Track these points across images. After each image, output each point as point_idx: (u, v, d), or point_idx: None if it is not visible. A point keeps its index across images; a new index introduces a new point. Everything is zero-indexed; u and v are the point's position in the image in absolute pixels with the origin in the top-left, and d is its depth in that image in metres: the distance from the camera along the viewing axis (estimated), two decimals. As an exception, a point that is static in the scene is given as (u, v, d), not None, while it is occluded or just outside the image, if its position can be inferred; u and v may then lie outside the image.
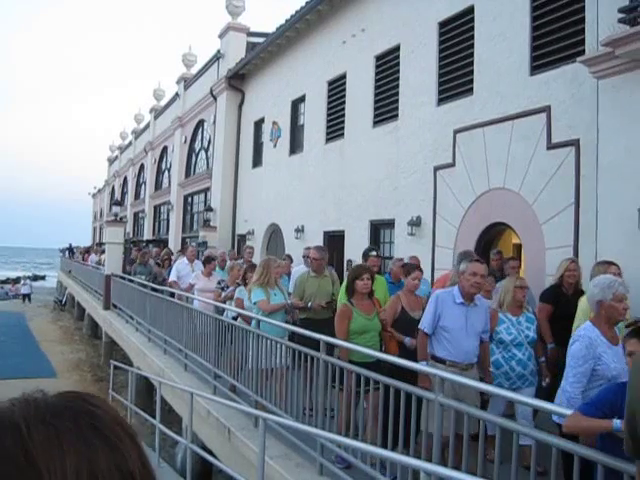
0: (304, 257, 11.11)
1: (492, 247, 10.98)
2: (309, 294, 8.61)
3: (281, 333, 7.70)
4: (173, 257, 16.78)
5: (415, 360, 5.87)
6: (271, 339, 7.34)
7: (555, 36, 9.42)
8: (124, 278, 17.93)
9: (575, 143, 8.90)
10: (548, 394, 6.19)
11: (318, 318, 8.44)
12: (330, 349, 6.59)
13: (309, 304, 8.55)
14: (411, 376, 5.63)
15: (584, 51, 8.61)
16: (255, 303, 8.08)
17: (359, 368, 5.78)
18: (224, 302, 10.06)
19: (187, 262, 13.69)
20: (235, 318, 9.03)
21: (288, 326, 7.78)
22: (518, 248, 11.50)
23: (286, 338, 7.75)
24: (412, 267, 7.81)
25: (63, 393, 0.90)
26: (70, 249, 42.35)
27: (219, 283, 10.88)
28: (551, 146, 9.33)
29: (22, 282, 44.23)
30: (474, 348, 5.94)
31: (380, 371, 5.72)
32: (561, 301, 7.32)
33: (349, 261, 14.01)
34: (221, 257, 13.39)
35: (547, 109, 9.42)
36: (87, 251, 33.70)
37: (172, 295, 12.28)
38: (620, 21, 7.50)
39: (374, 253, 8.66)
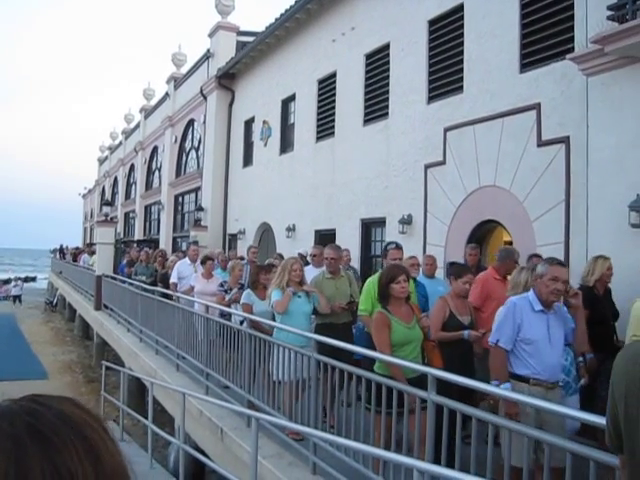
0: (311, 256, 10.50)
1: (483, 244, 11.00)
2: (327, 297, 7.77)
3: (303, 342, 6.87)
4: (171, 258, 15.53)
5: (465, 369, 5.50)
6: (296, 350, 6.59)
7: (544, 33, 9.43)
8: (115, 279, 17.87)
9: (565, 140, 8.93)
10: (587, 399, 6.06)
11: (338, 322, 7.75)
12: (356, 362, 6.27)
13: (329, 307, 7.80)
14: (460, 391, 4.89)
15: (573, 48, 8.64)
16: (272, 306, 7.56)
17: (403, 385, 5.12)
18: (229, 306, 9.34)
19: (189, 262, 12.97)
20: (241, 322, 8.47)
21: (312, 335, 6.73)
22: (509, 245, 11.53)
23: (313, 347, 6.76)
24: (463, 269, 6.92)
25: (22, 397, 0.89)
26: (61, 250, 42.16)
27: (221, 285, 10.10)
28: (541, 143, 9.35)
29: (13, 283, 43.83)
30: (559, 362, 5.39)
31: (424, 387, 4.81)
32: (597, 305, 6.75)
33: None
34: (220, 257, 12.77)
35: (537, 106, 9.44)
36: (78, 252, 33.46)
37: (167, 297, 11.94)
38: (609, 18, 7.53)
39: (393, 245, 7.34)
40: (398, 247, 7.29)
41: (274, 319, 7.78)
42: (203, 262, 11.54)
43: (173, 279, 12.67)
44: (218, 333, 8.82)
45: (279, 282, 7.56)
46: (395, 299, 5.83)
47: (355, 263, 13.82)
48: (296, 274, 7.60)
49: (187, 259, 13.29)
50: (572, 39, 8.82)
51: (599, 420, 3.22)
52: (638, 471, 1.97)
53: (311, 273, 9.03)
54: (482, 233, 10.87)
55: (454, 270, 7.00)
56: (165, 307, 11.67)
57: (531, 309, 5.20)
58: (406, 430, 5.05)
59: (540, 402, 4.24)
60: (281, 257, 13.93)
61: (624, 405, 1.98)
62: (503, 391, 4.65)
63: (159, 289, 12.63)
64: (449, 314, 6.48)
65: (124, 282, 16.02)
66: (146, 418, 9.97)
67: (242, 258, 13.10)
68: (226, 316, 9.03)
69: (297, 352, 6.55)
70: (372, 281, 6.86)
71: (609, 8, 7.55)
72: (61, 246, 43.07)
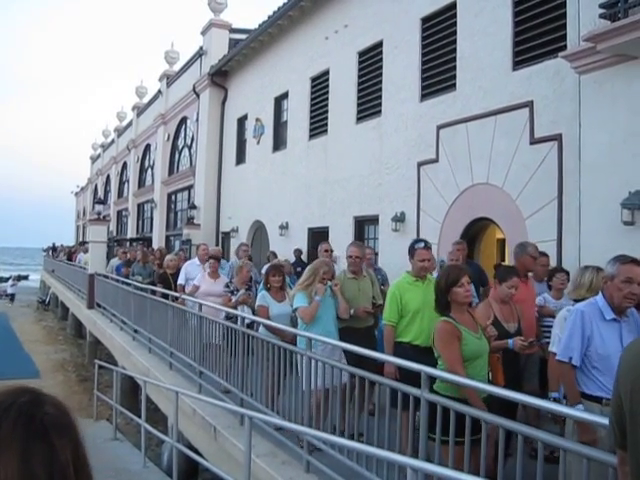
0: (326, 252, 9.91)
1: (476, 242, 11.02)
2: (349, 299, 7.21)
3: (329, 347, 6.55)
4: (169, 257, 13.84)
5: (512, 382, 5.10)
6: (323, 361, 6.03)
7: (537, 31, 9.44)
8: (108, 277, 17.83)
9: (558, 138, 8.94)
10: None
11: (359, 327, 7.24)
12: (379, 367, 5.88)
13: (352, 310, 7.19)
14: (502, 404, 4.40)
15: (566, 46, 8.66)
16: (296, 310, 6.99)
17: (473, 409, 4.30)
18: (235, 307, 8.75)
19: (198, 263, 12.08)
20: (249, 325, 7.95)
21: (344, 345, 6.12)
22: (502, 243, 11.56)
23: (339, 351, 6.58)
24: (508, 272, 6.01)
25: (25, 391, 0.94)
26: (54, 248, 42.03)
27: (227, 286, 9.44)
28: (534, 141, 9.36)
29: (10, 282, 43.39)
30: None
31: (493, 410, 4.29)
32: None
33: (334, 257, 14.02)
34: (203, 251, 12.29)
35: (530, 104, 9.45)
36: (73, 250, 33.27)
37: (167, 298, 11.21)
38: (601, 16, 7.55)
39: (422, 244, 6.53)
40: (427, 246, 6.50)
41: (293, 321, 7.50)
42: (207, 261, 11.09)
43: (181, 281, 11.87)
44: (224, 336, 8.26)
45: (306, 286, 6.97)
46: (457, 305, 4.97)
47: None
48: (324, 279, 7.00)
49: (196, 259, 12.44)
50: (564, 37, 8.83)
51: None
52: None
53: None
54: (475, 231, 10.88)
55: (499, 273, 6.18)
56: (158, 305, 11.63)
57: (601, 318, 4.45)
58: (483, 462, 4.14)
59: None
60: (274, 255, 13.89)
61: (630, 401, 1.97)
62: (578, 412, 3.99)
63: (159, 289, 11.92)
64: (493, 320, 5.64)
65: (119, 282, 15.66)
66: (139, 417, 9.95)
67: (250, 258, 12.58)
68: (232, 318, 8.41)
69: (325, 363, 5.98)
70: (398, 285, 6.47)
71: (601, 6, 7.56)
72: (54, 244, 42.95)
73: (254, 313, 8.14)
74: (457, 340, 4.74)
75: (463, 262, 8.45)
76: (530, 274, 7.15)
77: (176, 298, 11.00)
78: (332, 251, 10.51)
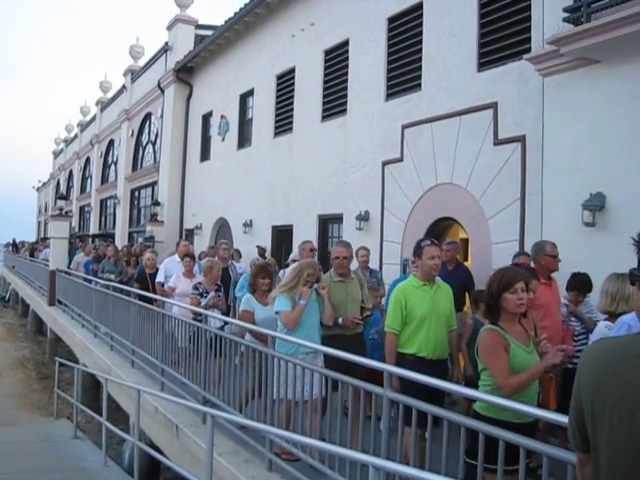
0: (311, 251, 9.40)
1: (440, 242, 11.06)
2: (336, 305, 6.62)
3: (300, 351, 6.19)
4: (147, 255, 12.93)
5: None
6: (304, 366, 5.73)
7: (502, 33, 9.53)
8: (69, 273, 17.64)
9: (521, 139, 9.03)
10: None
11: (348, 334, 6.65)
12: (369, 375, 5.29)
13: (339, 319, 6.59)
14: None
15: (530, 49, 8.74)
16: (277, 313, 6.44)
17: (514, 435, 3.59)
18: (206, 309, 8.25)
19: (178, 260, 11.23)
20: (221, 327, 7.73)
21: (332, 351, 5.40)
22: (465, 243, 11.64)
23: (320, 360, 6.22)
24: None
25: None
26: (14, 244, 41.40)
27: (196, 288, 8.86)
28: (498, 142, 9.44)
29: None
30: None
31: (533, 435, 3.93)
32: None
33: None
34: (184, 247, 11.55)
35: (494, 105, 9.53)
36: (36, 246, 32.71)
37: (147, 301, 10.35)
38: (565, 20, 7.63)
39: (428, 242, 5.95)
40: (434, 243, 5.97)
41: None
42: (182, 258, 10.51)
43: (159, 278, 11.24)
44: (191, 338, 7.93)
45: (289, 289, 6.45)
46: (508, 314, 4.35)
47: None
48: (312, 277, 6.51)
49: (176, 256, 11.66)
50: (529, 40, 8.92)
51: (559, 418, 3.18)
52: (602, 469, 1.99)
53: None
54: (439, 230, 10.94)
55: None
56: (120, 302, 11.52)
57: None
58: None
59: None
60: (238, 253, 13.85)
61: (591, 402, 1.99)
62: None
63: (136, 291, 11.11)
64: None
65: (89, 281, 14.75)
66: (100, 415, 9.88)
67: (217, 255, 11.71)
68: (200, 320, 7.92)
69: (305, 368, 5.67)
70: (403, 288, 5.91)
71: (565, 10, 7.65)
72: (14, 240, 42.31)
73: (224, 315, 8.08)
74: (504, 351, 4.20)
75: (453, 264, 8.57)
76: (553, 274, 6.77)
77: (155, 300, 10.41)
78: (316, 250, 9.96)
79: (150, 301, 10.31)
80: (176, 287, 10.15)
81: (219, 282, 9.23)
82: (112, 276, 13.81)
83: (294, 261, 9.64)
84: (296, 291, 6.39)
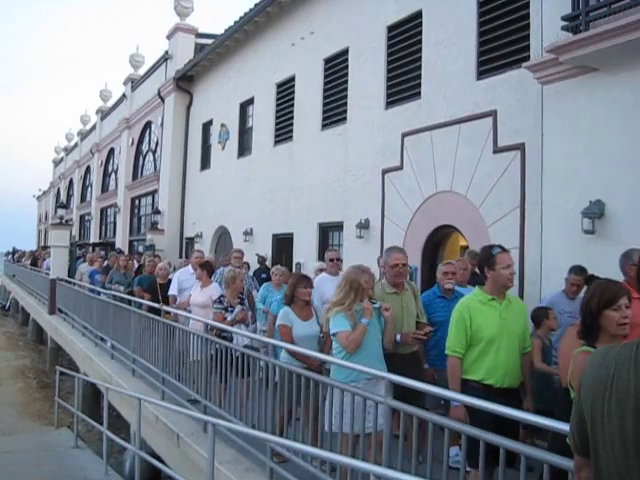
0: (331, 261, 8.95)
1: (439, 250, 11.09)
2: (393, 318, 5.84)
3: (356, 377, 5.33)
4: (160, 265, 12.21)
5: None
6: (366, 397, 4.85)
7: (501, 42, 9.56)
8: (70, 282, 17.63)
9: (520, 147, 9.04)
10: None
11: (404, 352, 6.01)
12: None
13: (397, 336, 5.91)
14: None
15: (529, 57, 8.76)
16: (334, 335, 5.56)
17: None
18: (232, 325, 7.66)
19: (192, 271, 10.68)
20: (247, 345, 7.12)
21: (398, 378, 4.53)
22: (465, 250, 11.66)
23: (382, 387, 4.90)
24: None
25: None
26: (14, 253, 41.42)
27: (220, 302, 8.04)
28: (497, 150, 9.46)
29: None
30: None
31: None
32: None
33: (298, 264, 14.04)
34: (196, 259, 10.73)
35: (493, 113, 9.55)
36: (36, 255, 32.57)
37: (156, 312, 9.84)
38: (563, 29, 7.66)
39: (498, 250, 5.11)
40: (505, 250, 5.16)
41: (321, 343, 6.52)
42: (203, 268, 9.66)
43: (172, 291, 10.61)
44: (215, 358, 7.24)
45: (347, 305, 5.54)
46: (608, 336, 3.65)
47: (312, 268, 13.79)
48: (368, 292, 5.69)
49: (189, 267, 11.03)
50: (528, 48, 8.94)
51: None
52: (601, 473, 2.01)
53: (329, 285, 7.74)
54: (438, 238, 10.96)
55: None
56: (121, 311, 11.50)
57: None
58: None
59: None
60: (263, 259, 13.51)
61: (590, 408, 2.02)
62: None
63: (147, 302, 10.59)
64: None
65: (98, 293, 13.93)
66: (101, 424, 9.87)
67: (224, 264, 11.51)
68: (227, 338, 7.44)
69: (367, 398, 4.83)
70: (467, 304, 5.12)
71: (563, 19, 7.67)
72: (14, 249, 42.33)
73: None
74: None
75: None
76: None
77: (168, 312, 9.78)
78: (339, 260, 9.20)
79: (159, 312, 9.74)
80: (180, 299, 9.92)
81: (242, 294, 8.46)
82: (122, 287, 13.09)
83: (321, 270, 9.47)
84: (354, 308, 5.53)
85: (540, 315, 6.65)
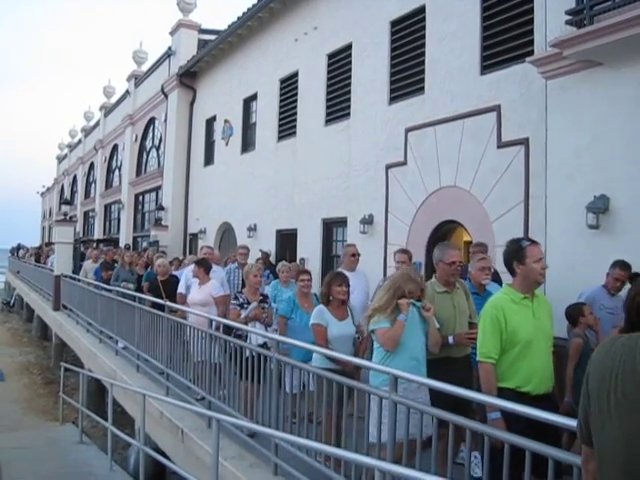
0: (352, 256, 8.79)
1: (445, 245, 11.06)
2: (444, 321, 5.55)
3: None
4: (158, 262, 11.90)
5: None
6: (409, 405, 4.51)
7: (505, 36, 9.53)
8: (74, 279, 17.64)
9: (524, 142, 9.03)
10: None
11: (457, 356, 5.63)
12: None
13: (450, 338, 5.56)
14: None
15: (533, 51, 8.75)
16: (373, 332, 5.36)
17: None
18: (246, 324, 7.32)
19: None
20: (262, 345, 6.81)
21: (441, 385, 4.28)
22: (469, 245, 11.64)
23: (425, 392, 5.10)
24: None
25: None
26: (19, 249, 41.47)
27: (236, 298, 7.76)
28: (501, 145, 9.44)
29: None
30: None
31: None
32: None
33: (302, 260, 14.03)
34: (205, 255, 10.49)
35: (497, 108, 9.53)
36: (40, 252, 32.58)
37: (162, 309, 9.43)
38: (567, 23, 7.64)
39: (528, 242, 4.74)
40: (534, 242, 4.78)
41: (356, 344, 6.31)
42: (200, 266, 9.48)
43: (181, 289, 10.28)
44: (230, 357, 7.00)
45: (389, 309, 5.27)
46: None
47: (316, 264, 13.80)
48: (414, 294, 5.33)
49: None
50: (532, 42, 8.92)
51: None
52: (606, 463, 2.01)
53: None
54: (442, 233, 10.94)
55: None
56: (125, 307, 11.52)
57: None
58: None
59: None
60: (267, 255, 13.20)
61: (597, 398, 2.02)
62: None
63: (154, 299, 10.19)
64: None
65: (100, 288, 13.75)
66: (106, 420, 9.89)
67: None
68: (242, 336, 7.25)
69: (412, 408, 4.50)
70: (499, 304, 4.67)
71: (567, 13, 7.65)
72: (19, 245, 42.39)
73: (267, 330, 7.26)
74: None
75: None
76: None
77: (175, 310, 9.44)
78: (359, 255, 9.07)
79: (162, 308, 9.43)
80: (185, 295, 9.59)
81: (263, 291, 8.16)
82: (131, 285, 12.81)
83: (303, 260, 9.22)
84: (392, 311, 5.26)
85: (575, 312, 6.35)
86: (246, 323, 7.30)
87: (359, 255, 9.06)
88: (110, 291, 12.96)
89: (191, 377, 8.18)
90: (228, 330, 7.46)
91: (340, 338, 6.12)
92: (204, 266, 9.42)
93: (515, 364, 4.50)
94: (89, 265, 16.57)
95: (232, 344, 6.96)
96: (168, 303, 9.39)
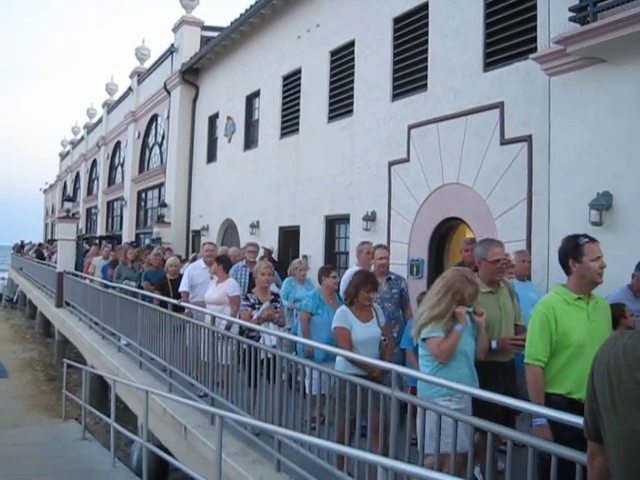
0: (366, 253, 8.13)
1: (446, 242, 11.08)
2: (488, 322, 5.18)
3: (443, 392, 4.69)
4: (169, 260, 11.91)
5: None
6: (458, 419, 4.09)
7: (508, 33, 9.52)
8: (77, 275, 17.66)
9: (528, 139, 9.02)
10: None
11: (503, 361, 5.32)
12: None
13: (493, 343, 5.23)
14: None
15: (536, 48, 8.73)
16: (424, 340, 4.94)
17: None
18: (259, 324, 7.03)
19: (204, 266, 10.25)
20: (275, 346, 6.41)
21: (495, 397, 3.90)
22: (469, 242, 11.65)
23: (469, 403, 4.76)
24: None
25: None
26: (21, 246, 41.52)
27: (247, 299, 7.52)
28: (504, 142, 9.43)
29: None
30: None
31: None
32: None
33: (304, 257, 14.03)
34: (207, 252, 10.40)
35: (500, 105, 9.52)
36: (40, 249, 32.65)
37: (176, 310, 9.26)
38: (571, 19, 7.63)
39: (586, 239, 4.43)
40: (593, 240, 4.45)
41: (382, 347, 5.98)
42: (219, 263, 9.09)
43: (183, 287, 10.02)
44: (243, 359, 6.72)
45: (446, 317, 4.88)
46: None
47: (319, 260, 13.78)
48: (473, 299, 5.02)
49: (201, 261, 10.60)
50: (535, 39, 8.91)
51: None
52: (615, 459, 2.01)
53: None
54: (445, 230, 10.94)
55: None
56: (128, 304, 11.52)
57: None
58: None
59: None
60: (269, 252, 12.96)
61: (602, 395, 2.02)
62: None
63: (160, 297, 10.09)
64: None
65: (108, 287, 13.41)
66: (108, 416, 9.90)
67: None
68: (254, 337, 6.98)
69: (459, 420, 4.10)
70: (551, 304, 4.41)
71: (571, 9, 7.64)
72: (22, 242, 42.44)
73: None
74: None
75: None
76: None
77: (182, 309, 9.28)
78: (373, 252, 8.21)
79: (170, 307, 9.34)
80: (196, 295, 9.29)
81: (276, 290, 7.90)
82: (133, 283, 12.54)
83: (305, 257, 8.94)
84: (448, 320, 4.89)
85: (617, 312, 5.83)
86: (259, 324, 7.02)
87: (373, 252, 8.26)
88: (114, 288, 12.90)
89: (194, 374, 8.18)
90: (241, 331, 7.25)
91: (366, 342, 5.72)
92: (225, 263, 9.12)
93: (566, 369, 4.25)
94: (98, 261, 16.33)
95: (245, 345, 6.68)
96: (183, 303, 9.23)
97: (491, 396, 3.89)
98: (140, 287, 11.79)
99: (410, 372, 4.83)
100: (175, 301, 9.43)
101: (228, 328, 7.54)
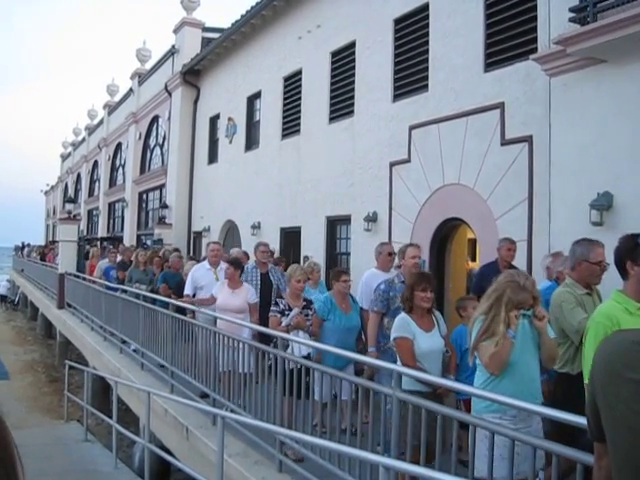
0: (389, 255, 7.98)
1: (447, 242, 11.08)
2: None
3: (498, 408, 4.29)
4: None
5: None
6: (525, 442, 3.70)
7: (508, 34, 9.52)
8: (78, 277, 17.67)
9: (528, 139, 9.02)
10: None
11: (575, 373, 4.96)
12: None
13: None
14: None
15: (537, 49, 8.74)
16: (476, 348, 4.52)
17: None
18: (287, 332, 6.57)
19: (208, 267, 9.95)
20: (306, 357, 6.31)
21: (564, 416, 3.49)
22: (473, 243, 11.65)
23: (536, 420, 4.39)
24: None
25: None
26: (23, 247, 41.52)
27: (277, 304, 6.98)
28: (505, 142, 9.43)
29: (4, 283, 40.95)
30: None
31: None
32: None
33: (306, 257, 14.03)
34: (212, 252, 10.06)
35: (501, 106, 9.53)
36: (44, 250, 32.60)
37: (182, 312, 9.09)
38: (571, 20, 7.64)
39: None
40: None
41: (445, 360, 5.59)
42: (233, 265, 8.60)
43: (187, 290, 9.71)
44: (270, 369, 6.39)
45: (496, 325, 4.37)
46: None
47: (320, 261, 13.77)
48: (524, 305, 4.46)
49: (206, 263, 10.23)
50: (535, 40, 8.91)
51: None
52: (620, 459, 2.01)
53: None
54: (446, 231, 10.94)
55: None
56: (130, 305, 11.52)
57: None
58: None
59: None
60: (247, 256, 13.05)
61: (603, 394, 2.02)
62: None
63: (176, 302, 9.39)
64: None
65: (116, 290, 12.99)
66: (110, 417, 9.92)
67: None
68: (279, 346, 6.36)
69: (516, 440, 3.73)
70: (612, 315, 3.82)
71: (571, 10, 7.65)
72: (23, 244, 42.45)
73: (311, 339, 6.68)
74: None
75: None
76: None
77: (188, 312, 9.08)
78: (395, 254, 8.05)
79: (184, 310, 9.11)
80: (217, 298, 8.53)
81: (307, 296, 7.48)
82: (143, 286, 12.10)
83: (307, 257, 8.64)
84: (498, 322, 4.39)
85: None
86: (287, 332, 6.56)
87: (395, 254, 8.06)
88: (117, 290, 12.69)
89: (203, 379, 8.18)
90: (266, 340, 6.94)
91: (430, 354, 5.24)
92: (241, 268, 8.72)
93: None
94: (104, 264, 15.90)
95: (272, 355, 6.31)
96: (202, 310, 8.64)
97: (543, 411, 3.66)
98: (152, 290, 11.58)
99: (410, 373, 4.82)
100: (194, 307, 8.95)
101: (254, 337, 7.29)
